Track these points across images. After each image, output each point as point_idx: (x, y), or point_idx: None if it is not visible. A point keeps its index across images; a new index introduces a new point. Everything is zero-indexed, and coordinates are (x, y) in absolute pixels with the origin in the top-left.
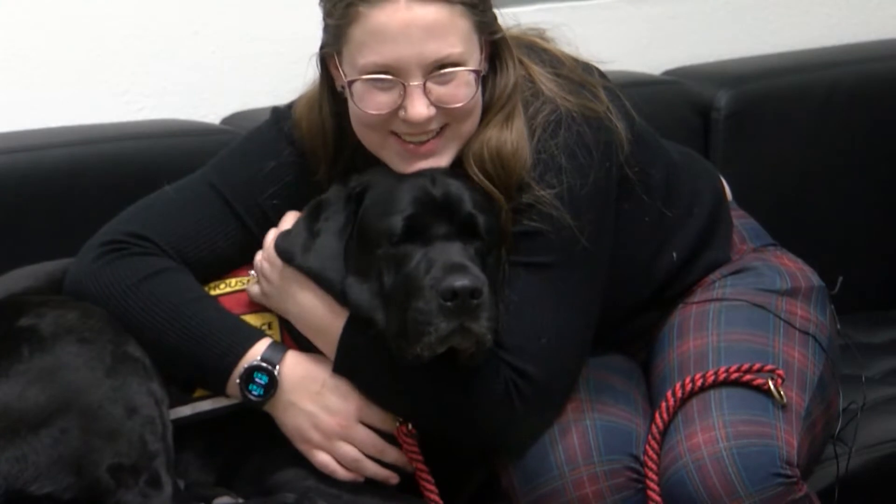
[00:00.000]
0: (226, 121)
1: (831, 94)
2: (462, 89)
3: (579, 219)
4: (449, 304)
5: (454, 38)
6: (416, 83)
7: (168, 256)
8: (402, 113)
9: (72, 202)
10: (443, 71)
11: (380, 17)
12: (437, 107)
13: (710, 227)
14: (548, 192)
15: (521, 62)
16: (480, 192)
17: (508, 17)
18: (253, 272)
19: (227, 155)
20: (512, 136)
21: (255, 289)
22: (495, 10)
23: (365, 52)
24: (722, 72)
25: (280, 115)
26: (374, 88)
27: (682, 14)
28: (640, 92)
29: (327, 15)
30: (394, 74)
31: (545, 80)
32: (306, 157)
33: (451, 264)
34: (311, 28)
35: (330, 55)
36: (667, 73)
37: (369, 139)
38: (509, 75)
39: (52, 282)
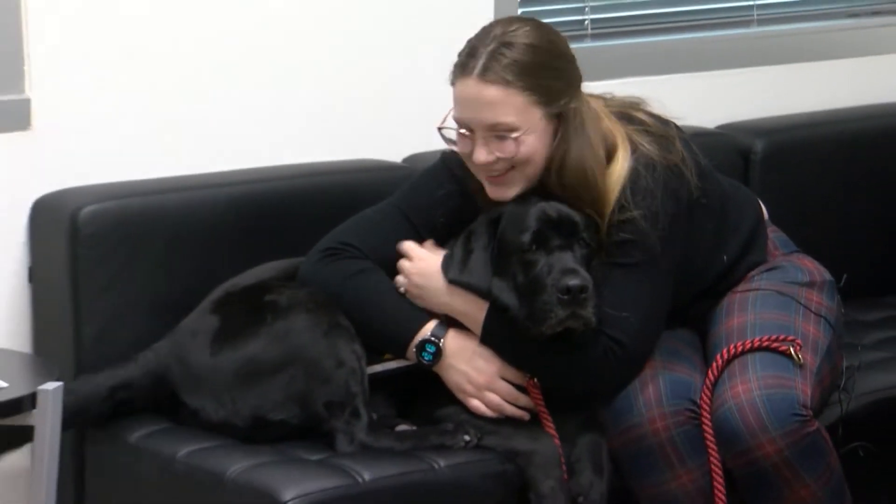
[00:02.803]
0: (406, 160)
1: (840, 145)
2: (513, 146)
3: (660, 232)
4: (565, 297)
5: (507, 109)
6: (479, 137)
7: (368, 259)
8: (473, 156)
9: (291, 222)
10: (495, 133)
11: (460, 87)
12: (496, 155)
13: (751, 238)
14: (638, 212)
15: (617, 124)
16: (584, 214)
17: (603, 88)
18: (401, 288)
19: (409, 187)
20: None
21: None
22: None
23: (455, 107)
24: (758, 126)
25: (445, 156)
26: (459, 136)
27: (730, 84)
28: (698, 141)
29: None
30: (467, 128)
31: (636, 136)
32: (465, 184)
33: (565, 268)
34: None
35: None
36: (718, 127)
37: (472, 168)
38: (569, 139)
39: (288, 274)
